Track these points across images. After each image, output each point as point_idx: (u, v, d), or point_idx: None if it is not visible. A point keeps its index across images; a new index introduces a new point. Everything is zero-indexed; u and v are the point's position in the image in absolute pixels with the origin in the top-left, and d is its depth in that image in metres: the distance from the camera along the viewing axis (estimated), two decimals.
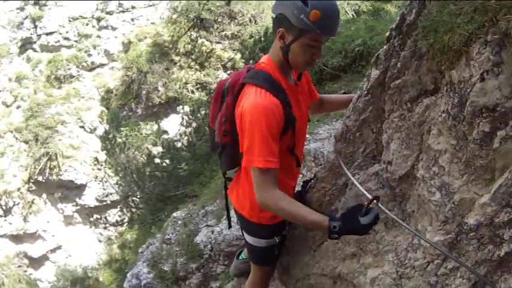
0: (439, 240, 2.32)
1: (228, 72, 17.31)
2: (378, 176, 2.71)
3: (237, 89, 2.76)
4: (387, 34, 2.51)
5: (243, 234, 3.34)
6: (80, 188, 18.77)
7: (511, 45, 1.84)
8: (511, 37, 1.83)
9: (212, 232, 6.23)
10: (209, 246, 6.22)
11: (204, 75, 17.96)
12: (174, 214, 7.46)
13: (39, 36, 21.04)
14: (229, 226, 3.80)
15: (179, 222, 7.11)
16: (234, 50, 18.44)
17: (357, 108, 2.72)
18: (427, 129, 2.33)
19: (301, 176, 4.21)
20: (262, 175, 2.51)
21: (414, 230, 2.44)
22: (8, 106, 20.06)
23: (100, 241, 19.11)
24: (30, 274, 18.10)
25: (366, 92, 2.65)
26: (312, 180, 3.26)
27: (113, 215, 16.50)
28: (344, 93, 7.05)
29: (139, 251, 8.06)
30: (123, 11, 21.13)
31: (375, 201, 2.43)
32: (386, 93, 2.51)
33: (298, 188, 3.38)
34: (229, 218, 3.69)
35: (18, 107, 19.78)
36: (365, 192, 2.55)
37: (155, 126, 16.62)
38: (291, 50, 2.60)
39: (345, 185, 2.91)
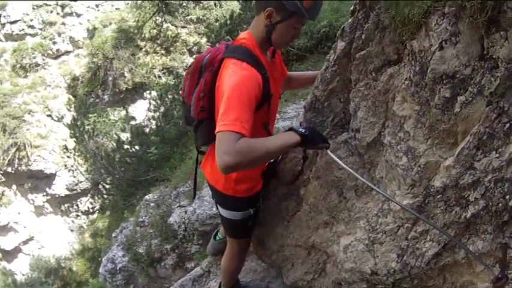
0: (408, 203, 2.39)
1: (194, 56, 17.23)
2: (347, 144, 2.78)
3: (217, 65, 2.79)
4: (351, 8, 2.59)
5: (217, 209, 3.38)
6: (50, 178, 18.52)
7: (467, 16, 1.93)
8: (466, 9, 1.92)
9: (185, 212, 6.21)
10: (183, 226, 6.21)
11: (170, 60, 17.87)
12: (146, 197, 7.42)
13: (3, 25, 20.60)
14: (194, 196, 3.93)
15: (152, 204, 7.09)
16: (199, 34, 18.34)
17: (325, 78, 2.79)
18: (392, 96, 2.41)
19: None
20: (232, 137, 2.36)
21: (385, 193, 2.50)
22: None
23: (72, 230, 18.96)
24: (4, 267, 17.87)
25: (332, 63, 2.72)
26: None
27: (84, 203, 16.40)
28: None
29: (113, 235, 8.03)
30: None
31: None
32: (352, 63, 2.59)
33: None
34: (195, 190, 3.77)
35: None
36: (336, 159, 2.57)
37: (123, 112, 16.53)
38: (276, 29, 2.70)
39: (316, 154, 2.97)
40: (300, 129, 2.60)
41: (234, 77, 2.54)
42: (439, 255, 2.42)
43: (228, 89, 2.51)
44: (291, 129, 2.64)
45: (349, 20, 2.59)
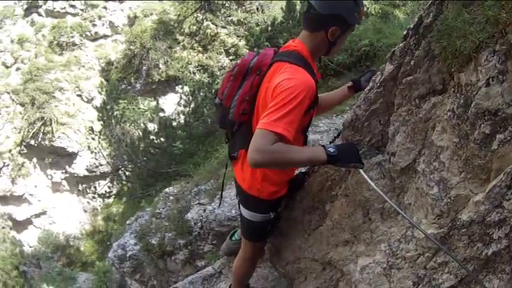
0: (432, 233, 2.38)
1: (230, 57, 17.30)
2: (381, 166, 2.79)
3: (265, 69, 2.85)
4: (404, 33, 2.60)
5: (239, 209, 3.41)
6: (71, 156, 18.69)
7: None
8: None
9: (204, 210, 6.20)
10: (199, 224, 6.20)
11: (206, 58, 17.93)
12: (167, 189, 7.45)
13: (45, 1, 20.88)
14: (220, 202, 3.87)
15: (171, 197, 7.10)
16: (238, 36, 18.37)
17: (368, 98, 2.79)
18: (432, 125, 2.42)
19: None
20: (271, 137, 2.44)
21: (411, 219, 2.50)
22: (7, 67, 19.91)
23: (85, 211, 19.09)
24: (12, 236, 18.04)
25: (378, 84, 2.73)
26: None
27: (102, 186, 16.49)
28: None
29: (128, 222, 8.04)
30: None
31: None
32: (398, 87, 2.61)
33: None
34: (221, 197, 3.88)
35: (17, 69, 19.63)
36: (368, 180, 2.59)
37: (153, 103, 16.61)
38: (337, 43, 2.86)
39: (348, 172, 2.96)
40: (330, 149, 2.61)
41: (291, 80, 2.57)
42: None
43: (282, 90, 2.54)
44: (323, 146, 2.65)
45: (400, 45, 2.60)
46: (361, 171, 2.65)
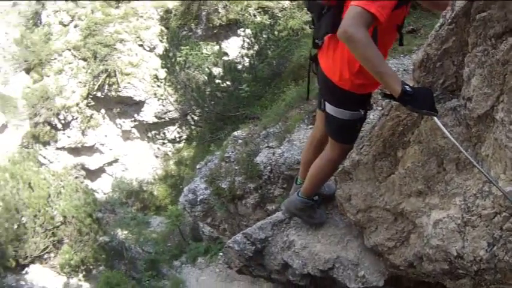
0: (511, 190, 2.22)
1: None
2: (456, 112, 2.62)
3: None
4: None
5: (324, 109, 3.36)
6: (139, 105, 18.92)
7: None
8: None
9: (273, 154, 6.22)
10: (269, 167, 6.23)
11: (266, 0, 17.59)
12: (235, 133, 7.50)
13: None
14: (308, 97, 3.95)
15: (239, 141, 7.13)
16: None
17: (439, 36, 2.62)
18: (511, 69, 2.19)
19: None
20: (365, 15, 2.50)
21: (488, 174, 2.34)
22: (65, 25, 20.10)
23: (157, 157, 19.50)
24: (86, 185, 18.64)
25: (449, 20, 2.54)
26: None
27: (171, 131, 16.75)
28: (412, 29, 6.86)
29: (197, 167, 8.17)
30: None
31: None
32: (471, 24, 2.39)
33: None
34: (308, 89, 3.82)
35: (75, 26, 19.76)
36: (441, 126, 2.49)
37: (216, 47, 16.50)
38: None
39: (420, 117, 2.82)
40: (407, 86, 2.53)
41: None
42: None
43: None
44: (402, 81, 2.56)
45: None
46: (434, 118, 2.52)
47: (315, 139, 3.94)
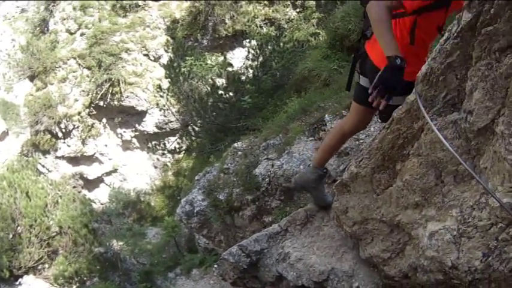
0: (508, 202, 2.22)
1: (297, 10, 16.91)
2: (456, 125, 2.61)
3: None
4: None
5: (358, 80, 3.66)
6: (141, 114, 18.94)
7: None
8: None
9: (272, 166, 6.20)
10: (267, 179, 6.22)
11: (273, 11, 17.52)
12: (235, 144, 7.48)
13: None
14: (348, 88, 3.95)
15: (239, 153, 7.12)
16: None
17: (444, 50, 2.59)
18: None
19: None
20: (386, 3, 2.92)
21: (486, 185, 2.34)
22: (71, 33, 20.14)
23: (156, 167, 19.50)
24: (84, 195, 18.61)
25: (455, 34, 2.51)
26: None
27: (171, 142, 16.75)
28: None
29: (196, 178, 8.14)
30: None
31: None
32: (476, 38, 2.36)
33: None
34: (350, 82, 3.89)
35: (82, 35, 19.83)
36: (442, 139, 2.50)
37: (220, 58, 16.48)
38: None
39: (421, 130, 2.84)
40: (399, 59, 2.83)
41: None
42: None
43: None
44: (397, 55, 2.84)
45: None
46: (435, 129, 2.55)
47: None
